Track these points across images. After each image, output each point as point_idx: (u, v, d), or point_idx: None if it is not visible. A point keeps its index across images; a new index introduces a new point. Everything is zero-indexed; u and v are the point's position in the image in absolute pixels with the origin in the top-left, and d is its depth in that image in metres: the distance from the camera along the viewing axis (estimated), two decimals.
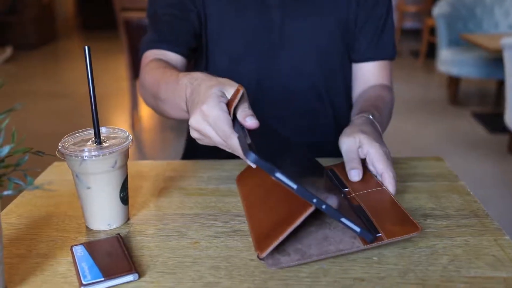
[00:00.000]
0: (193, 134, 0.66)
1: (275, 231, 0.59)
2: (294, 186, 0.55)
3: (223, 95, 0.63)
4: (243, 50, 0.98)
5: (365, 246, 0.60)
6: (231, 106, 0.62)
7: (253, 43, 0.97)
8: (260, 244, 0.60)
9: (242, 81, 0.99)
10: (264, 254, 0.58)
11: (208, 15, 0.97)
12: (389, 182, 0.71)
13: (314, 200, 0.56)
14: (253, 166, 0.55)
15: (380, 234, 0.61)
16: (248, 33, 0.97)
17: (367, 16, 0.99)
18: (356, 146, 0.75)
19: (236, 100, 0.62)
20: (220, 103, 0.62)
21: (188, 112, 0.69)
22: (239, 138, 0.59)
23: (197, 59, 1.05)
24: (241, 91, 0.62)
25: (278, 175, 0.54)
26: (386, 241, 0.60)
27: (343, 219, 0.58)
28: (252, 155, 0.54)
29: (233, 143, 0.60)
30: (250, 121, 0.62)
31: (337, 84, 1.03)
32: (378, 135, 0.79)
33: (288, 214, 0.60)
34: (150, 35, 0.99)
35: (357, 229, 0.59)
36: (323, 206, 0.57)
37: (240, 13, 0.96)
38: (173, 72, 0.81)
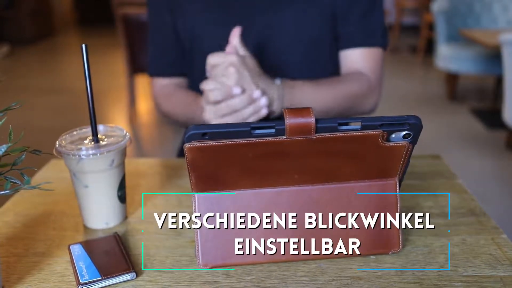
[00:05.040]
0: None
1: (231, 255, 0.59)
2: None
3: None
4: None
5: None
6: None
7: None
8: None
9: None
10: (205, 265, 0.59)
11: (193, 20, 0.98)
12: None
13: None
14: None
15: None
16: (230, 27, 0.95)
17: (349, 1, 0.96)
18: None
19: None
20: None
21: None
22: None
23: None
24: None
25: None
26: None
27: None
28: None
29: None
30: None
31: (326, 77, 1.00)
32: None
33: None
34: (156, 63, 1.08)
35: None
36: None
37: (222, 9, 0.96)
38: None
